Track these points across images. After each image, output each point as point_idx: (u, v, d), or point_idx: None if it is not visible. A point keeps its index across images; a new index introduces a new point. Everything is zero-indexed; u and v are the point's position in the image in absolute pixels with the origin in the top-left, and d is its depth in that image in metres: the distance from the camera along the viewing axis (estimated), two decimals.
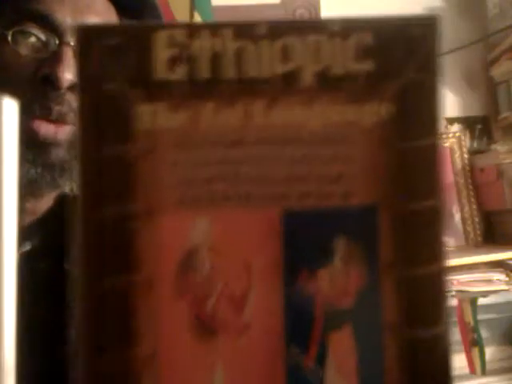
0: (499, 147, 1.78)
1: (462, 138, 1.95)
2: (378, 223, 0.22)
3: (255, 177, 0.22)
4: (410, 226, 0.22)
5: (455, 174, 1.92)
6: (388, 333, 0.21)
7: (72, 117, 0.62)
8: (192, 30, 0.21)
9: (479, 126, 2.05)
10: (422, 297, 0.21)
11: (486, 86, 2.04)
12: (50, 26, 0.63)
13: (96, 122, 0.20)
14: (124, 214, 0.20)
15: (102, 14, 0.66)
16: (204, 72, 0.21)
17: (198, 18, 1.61)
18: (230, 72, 0.22)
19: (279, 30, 0.22)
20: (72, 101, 0.62)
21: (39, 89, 0.62)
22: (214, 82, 0.21)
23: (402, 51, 0.22)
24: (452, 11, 2.03)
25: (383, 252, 0.22)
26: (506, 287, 1.57)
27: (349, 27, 0.22)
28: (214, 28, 0.21)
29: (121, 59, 0.20)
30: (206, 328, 0.21)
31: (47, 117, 0.63)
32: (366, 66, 0.22)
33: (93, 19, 0.64)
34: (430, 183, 0.22)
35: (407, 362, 0.21)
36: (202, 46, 0.21)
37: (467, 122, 2.05)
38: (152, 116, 0.21)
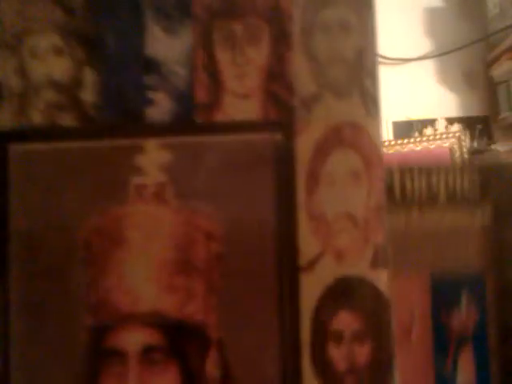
0: (499, 147, 1.85)
1: (462, 137, 1.97)
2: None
3: None
4: None
5: None
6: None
7: None
8: None
9: (479, 126, 2.11)
10: None
11: (486, 85, 2.11)
12: None
13: None
14: None
15: None
16: None
17: None
18: None
19: None
20: None
21: None
22: None
23: None
24: (452, 11, 2.11)
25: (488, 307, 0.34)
26: None
27: None
28: None
29: None
30: None
31: None
32: None
33: None
34: None
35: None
36: None
37: (467, 122, 2.11)
38: None
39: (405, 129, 2.07)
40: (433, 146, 1.98)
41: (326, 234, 0.23)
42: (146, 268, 0.22)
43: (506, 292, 0.36)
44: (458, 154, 1.99)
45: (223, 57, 0.26)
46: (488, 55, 2.07)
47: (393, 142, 1.97)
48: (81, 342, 0.22)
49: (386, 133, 2.03)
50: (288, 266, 0.23)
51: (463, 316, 0.36)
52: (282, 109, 0.25)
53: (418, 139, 1.98)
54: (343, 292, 0.23)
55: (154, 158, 0.24)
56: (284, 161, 0.24)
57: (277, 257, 0.23)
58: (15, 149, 0.24)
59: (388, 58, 1.99)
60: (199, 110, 0.25)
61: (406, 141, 1.96)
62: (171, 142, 0.24)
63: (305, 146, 0.25)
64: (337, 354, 0.22)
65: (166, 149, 0.24)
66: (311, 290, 0.23)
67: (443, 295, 0.36)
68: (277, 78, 0.25)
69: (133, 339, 0.22)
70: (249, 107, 0.25)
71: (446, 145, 1.99)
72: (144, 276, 0.22)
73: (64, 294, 0.22)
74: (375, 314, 0.23)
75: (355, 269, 0.23)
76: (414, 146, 1.96)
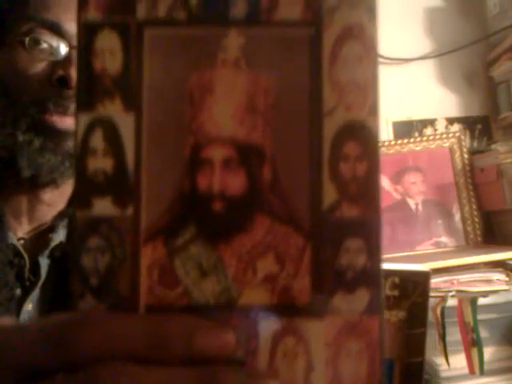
0: (499, 147, 1.87)
1: (462, 137, 2.04)
2: None
3: None
4: None
5: (455, 174, 2.02)
6: None
7: None
8: None
9: (479, 126, 2.16)
10: None
11: (486, 85, 2.17)
12: (59, 33, 0.78)
13: None
14: None
15: None
16: None
17: None
18: None
19: None
20: None
21: (55, 89, 0.79)
22: None
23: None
24: (452, 11, 2.18)
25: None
26: (506, 287, 1.66)
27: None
28: None
29: None
30: None
31: (64, 113, 0.78)
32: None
33: None
34: None
35: None
36: None
37: (467, 122, 2.16)
38: None
39: (405, 129, 2.11)
40: (433, 146, 2.03)
41: (340, 92, 0.38)
42: (228, 109, 0.38)
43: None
44: (457, 153, 2.03)
45: None
46: (488, 55, 2.12)
47: (393, 142, 2.02)
48: (185, 153, 0.37)
49: (386, 133, 2.07)
50: (316, 113, 0.38)
51: None
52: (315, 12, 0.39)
53: (418, 139, 2.04)
54: (350, 130, 0.38)
55: (234, 41, 0.38)
56: (316, 48, 0.38)
57: (309, 106, 0.38)
58: (148, 33, 0.38)
59: (388, 58, 2.05)
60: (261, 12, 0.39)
61: (406, 141, 2.02)
62: (246, 32, 0.38)
63: (328, 38, 0.39)
64: (345, 168, 0.37)
65: (242, 35, 0.38)
66: (330, 128, 0.38)
67: None
68: None
69: (217, 153, 0.37)
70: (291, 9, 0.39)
71: (446, 145, 2.04)
72: (226, 114, 0.37)
73: (177, 123, 0.37)
74: (369, 144, 0.38)
75: (358, 116, 0.38)
76: (413, 146, 2.01)
